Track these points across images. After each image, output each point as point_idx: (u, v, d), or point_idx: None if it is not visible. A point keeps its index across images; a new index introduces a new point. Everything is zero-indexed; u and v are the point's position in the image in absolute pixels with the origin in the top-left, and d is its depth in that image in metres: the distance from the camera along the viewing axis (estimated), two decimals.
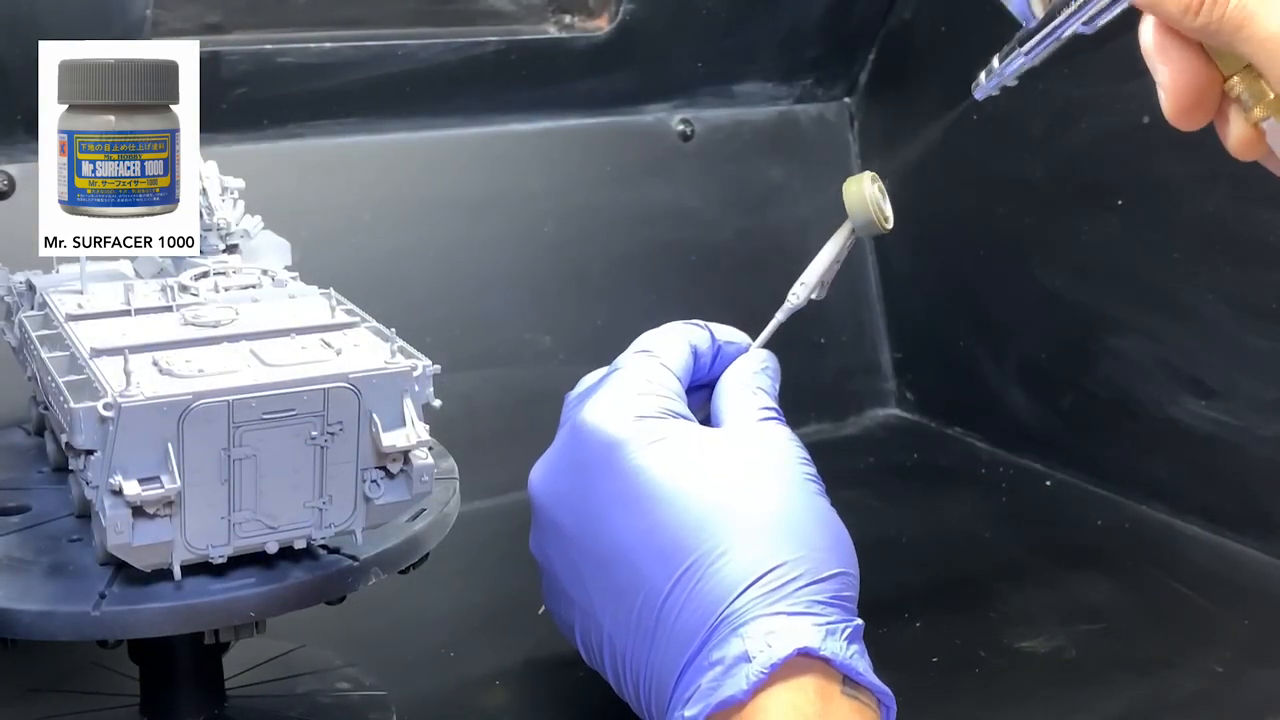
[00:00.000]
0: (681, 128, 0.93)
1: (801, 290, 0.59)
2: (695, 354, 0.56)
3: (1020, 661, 0.63)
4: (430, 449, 0.47)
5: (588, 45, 0.86)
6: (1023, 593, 0.70)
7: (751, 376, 0.56)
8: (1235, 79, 0.38)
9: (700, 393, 0.57)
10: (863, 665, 0.47)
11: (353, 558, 0.48)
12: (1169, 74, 0.40)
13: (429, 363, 0.47)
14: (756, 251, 0.94)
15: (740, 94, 0.95)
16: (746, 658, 0.45)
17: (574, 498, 0.52)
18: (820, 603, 0.47)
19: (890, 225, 0.57)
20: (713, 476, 0.49)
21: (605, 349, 0.87)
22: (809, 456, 0.52)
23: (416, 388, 0.46)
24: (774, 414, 0.55)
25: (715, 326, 0.58)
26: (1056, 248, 0.85)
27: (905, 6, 0.93)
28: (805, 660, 0.45)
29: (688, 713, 0.46)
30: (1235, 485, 0.75)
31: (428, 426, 0.46)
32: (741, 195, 0.95)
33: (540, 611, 0.59)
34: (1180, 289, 0.77)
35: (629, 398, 0.52)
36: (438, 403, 0.47)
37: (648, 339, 0.57)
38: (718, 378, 0.57)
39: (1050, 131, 0.84)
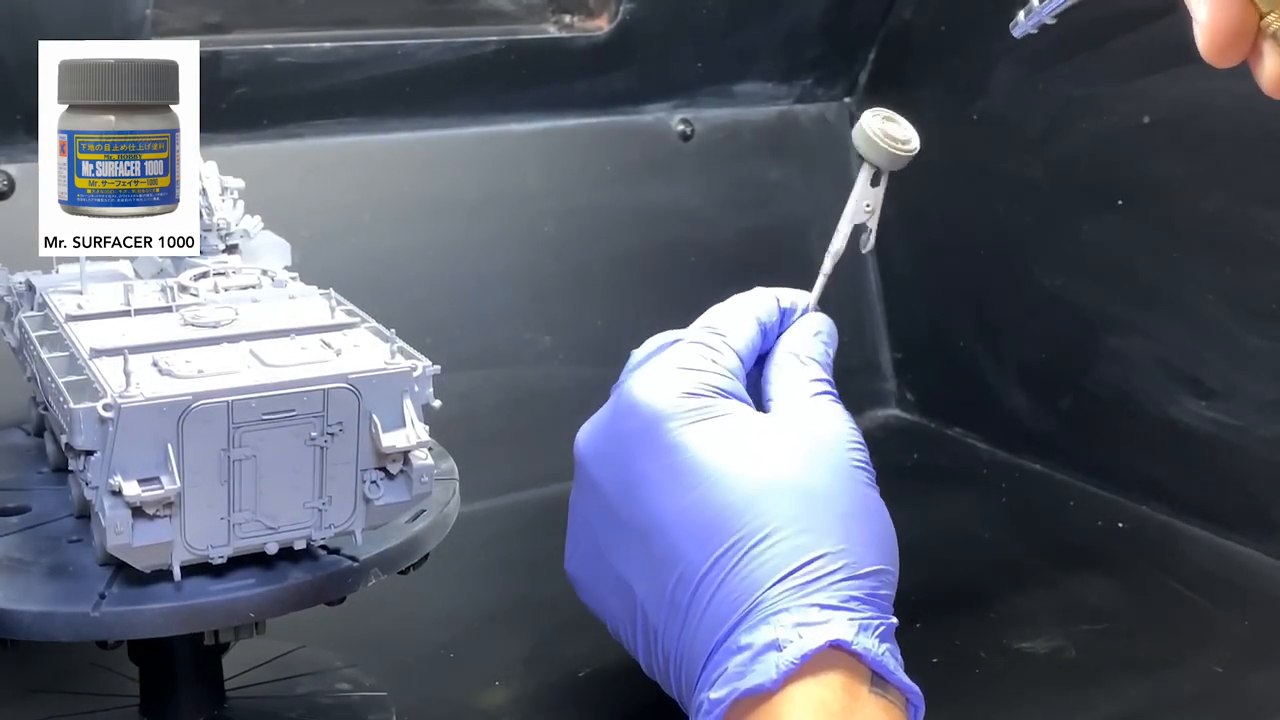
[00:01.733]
0: (681, 128, 0.93)
1: (838, 237, 0.58)
2: (762, 328, 0.55)
3: (1020, 662, 0.63)
4: (430, 449, 0.47)
5: (588, 45, 0.86)
6: (1023, 593, 0.70)
7: (804, 345, 0.55)
8: (1272, 15, 0.39)
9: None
10: (893, 664, 0.46)
11: (352, 558, 0.48)
12: (1207, 11, 0.39)
13: (429, 363, 0.47)
14: (756, 251, 0.94)
15: (740, 94, 0.95)
16: (777, 646, 0.44)
17: (616, 465, 0.52)
18: (856, 598, 0.46)
19: (910, 149, 0.57)
20: (757, 459, 0.49)
21: (605, 349, 0.87)
22: (861, 440, 0.52)
23: (416, 388, 0.46)
24: (826, 388, 0.54)
25: (781, 292, 0.57)
26: (1056, 248, 0.85)
27: (905, 6, 0.93)
28: (836, 654, 0.45)
29: (713, 695, 0.45)
30: (1235, 485, 0.75)
31: (427, 427, 0.46)
32: (741, 195, 0.95)
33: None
34: (1180, 289, 0.77)
35: (678, 373, 0.51)
36: (437, 403, 0.47)
37: (715, 315, 0.55)
38: None
39: (1050, 131, 0.84)
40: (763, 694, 0.44)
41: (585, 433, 0.55)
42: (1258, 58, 0.40)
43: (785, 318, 0.56)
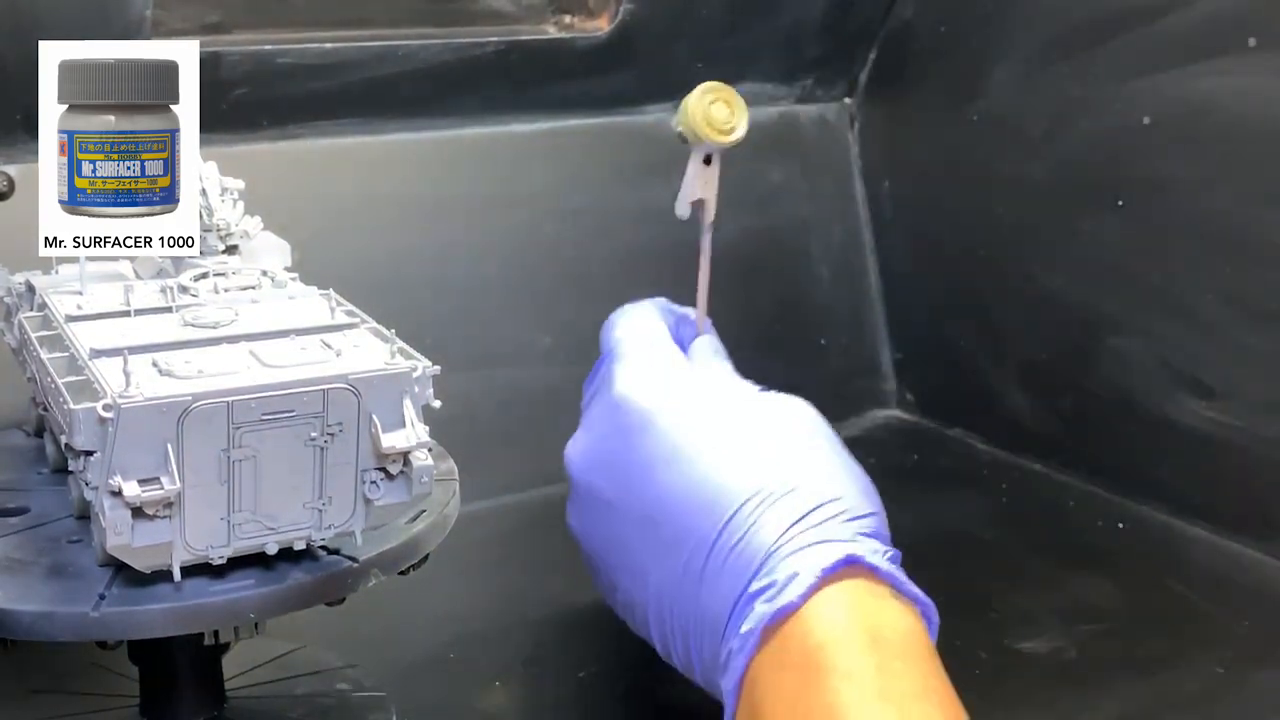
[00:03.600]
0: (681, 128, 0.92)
1: (679, 208, 0.62)
2: (673, 332, 0.60)
3: (1020, 662, 0.63)
4: (430, 450, 0.47)
5: (588, 45, 0.86)
6: (1023, 593, 0.70)
7: (717, 361, 0.60)
8: None
9: None
10: (905, 579, 0.49)
11: (352, 559, 0.48)
12: None
13: (429, 363, 0.47)
14: (756, 251, 0.94)
15: (740, 94, 0.95)
16: (796, 574, 0.47)
17: (614, 464, 0.54)
18: (862, 533, 0.49)
19: (731, 139, 0.59)
20: (749, 434, 0.52)
21: None
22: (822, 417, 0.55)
23: (416, 389, 0.46)
24: (765, 388, 0.57)
25: (662, 300, 0.63)
26: (1056, 248, 0.85)
27: (905, 6, 0.93)
28: (853, 569, 0.47)
29: (743, 629, 0.47)
30: (1235, 485, 0.75)
31: (427, 427, 0.46)
32: (741, 195, 0.94)
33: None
34: (1180, 289, 0.77)
35: (655, 368, 0.55)
36: (437, 403, 0.47)
37: (630, 321, 0.60)
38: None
39: (1050, 131, 0.84)
40: (790, 613, 0.46)
41: (575, 446, 0.58)
42: None
43: (674, 318, 0.62)
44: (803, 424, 0.54)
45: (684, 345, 0.61)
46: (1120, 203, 0.79)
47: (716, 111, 0.57)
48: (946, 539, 0.77)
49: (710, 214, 0.61)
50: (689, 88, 0.93)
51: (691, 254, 0.92)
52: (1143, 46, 0.76)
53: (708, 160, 0.59)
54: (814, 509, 0.49)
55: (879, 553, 0.48)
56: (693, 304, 0.63)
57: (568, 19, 0.87)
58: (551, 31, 0.86)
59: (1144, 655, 0.64)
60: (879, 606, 0.47)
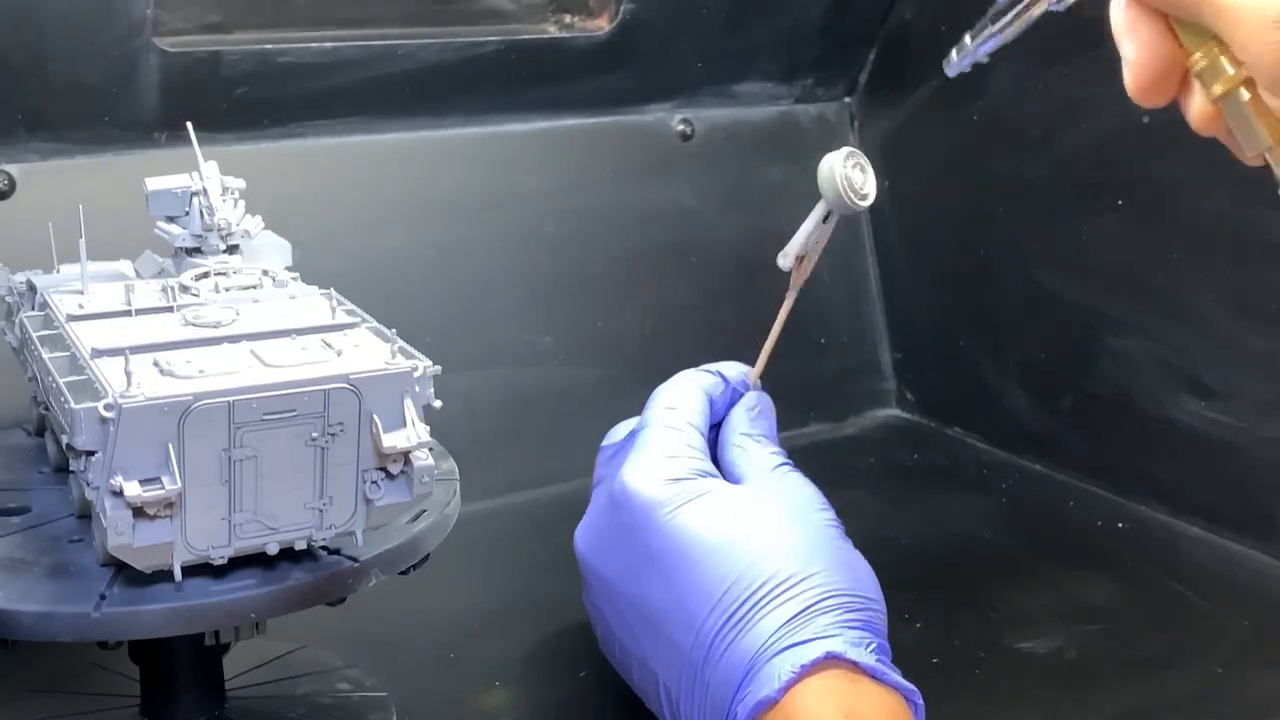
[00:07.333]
0: (681, 128, 0.93)
1: (782, 260, 0.60)
2: (711, 403, 0.60)
3: (1020, 662, 0.63)
4: (430, 450, 0.47)
5: (588, 45, 0.86)
6: (1023, 593, 0.70)
7: (751, 425, 0.60)
8: (1198, 55, 0.39)
9: (713, 432, 0.60)
10: (888, 670, 0.49)
11: (353, 559, 0.48)
12: (1135, 50, 0.41)
13: (429, 363, 0.47)
14: (756, 251, 0.93)
15: (740, 94, 0.95)
16: (778, 671, 0.48)
17: (618, 556, 0.56)
18: (850, 626, 0.50)
19: (865, 203, 0.58)
20: (745, 529, 0.53)
21: (605, 349, 0.88)
22: (825, 501, 0.56)
23: (417, 388, 0.46)
24: (783, 460, 0.58)
25: (723, 366, 0.61)
26: (1056, 248, 0.85)
27: (905, 6, 0.93)
28: (833, 663, 0.48)
29: (736, 711, 0.49)
30: (1235, 485, 0.75)
31: (428, 427, 0.46)
32: (741, 195, 0.95)
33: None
34: (1180, 289, 0.77)
35: (661, 460, 0.56)
36: (438, 403, 0.47)
37: (668, 396, 0.60)
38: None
39: (1050, 131, 0.84)
40: (770, 704, 0.48)
41: (582, 532, 0.59)
42: (1188, 96, 0.41)
43: (727, 388, 0.61)
44: (801, 516, 0.54)
45: (730, 406, 0.61)
46: (1120, 203, 0.80)
47: (855, 174, 0.58)
48: (946, 539, 0.77)
49: (805, 274, 0.61)
50: (689, 87, 0.93)
51: (691, 256, 0.92)
52: None
53: (825, 218, 0.59)
54: (806, 608, 0.50)
55: (863, 644, 0.49)
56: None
57: (568, 19, 0.87)
58: (551, 31, 0.86)
59: (1144, 655, 0.64)
60: (857, 691, 0.48)
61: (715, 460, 0.59)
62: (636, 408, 0.60)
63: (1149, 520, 0.78)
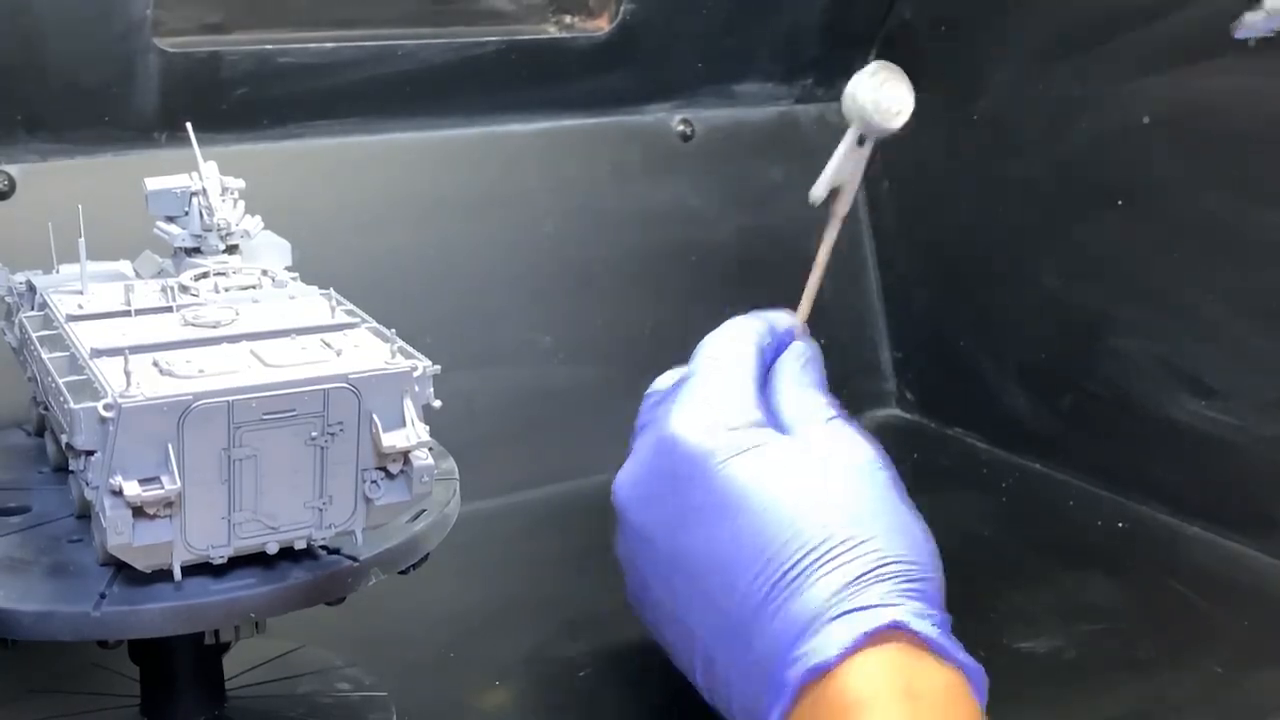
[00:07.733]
0: (681, 128, 0.93)
1: (814, 193, 0.57)
2: (762, 352, 0.57)
3: (1020, 661, 0.63)
4: (430, 449, 0.47)
5: (588, 45, 0.86)
6: (1023, 593, 0.70)
7: (801, 374, 0.57)
8: None
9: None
10: (952, 645, 0.47)
11: (353, 558, 0.48)
12: None
13: (429, 363, 0.47)
14: (756, 251, 0.94)
15: (740, 94, 0.95)
16: (838, 637, 0.46)
17: (663, 506, 0.53)
18: (911, 596, 0.48)
19: (897, 121, 0.55)
20: (801, 484, 0.50)
21: (605, 349, 0.88)
22: (886, 457, 0.53)
23: (417, 388, 0.46)
24: (837, 412, 0.55)
25: (771, 315, 0.58)
26: (1056, 248, 0.85)
27: (905, 6, 0.93)
28: (896, 633, 0.46)
29: (783, 684, 0.46)
30: (1235, 485, 0.75)
31: (428, 427, 0.46)
32: (741, 195, 0.95)
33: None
34: (1180, 289, 0.77)
35: (714, 408, 0.53)
36: (438, 403, 0.47)
37: (716, 342, 0.57)
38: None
39: (1050, 131, 0.84)
40: (825, 670, 0.45)
41: (624, 478, 0.56)
42: None
43: (776, 337, 0.58)
44: (862, 473, 0.52)
45: (778, 355, 0.58)
46: (1120, 203, 0.79)
47: (885, 91, 0.54)
48: (946, 538, 0.77)
49: (845, 205, 0.57)
50: (689, 87, 0.93)
51: (691, 256, 0.93)
52: (1142, 46, 0.76)
53: (860, 142, 0.55)
54: (865, 573, 0.47)
55: (926, 618, 0.47)
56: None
57: (568, 19, 0.87)
58: (551, 31, 0.86)
59: (1144, 655, 0.64)
60: (918, 666, 0.46)
61: (769, 415, 0.55)
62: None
63: (1149, 520, 0.78)
